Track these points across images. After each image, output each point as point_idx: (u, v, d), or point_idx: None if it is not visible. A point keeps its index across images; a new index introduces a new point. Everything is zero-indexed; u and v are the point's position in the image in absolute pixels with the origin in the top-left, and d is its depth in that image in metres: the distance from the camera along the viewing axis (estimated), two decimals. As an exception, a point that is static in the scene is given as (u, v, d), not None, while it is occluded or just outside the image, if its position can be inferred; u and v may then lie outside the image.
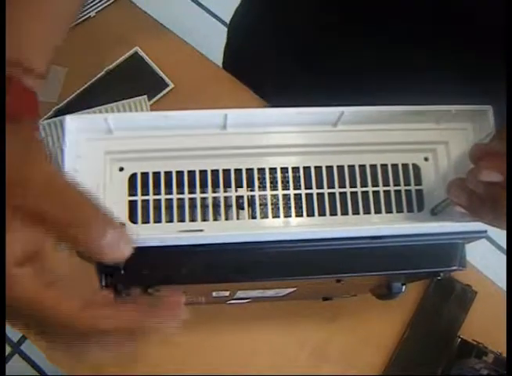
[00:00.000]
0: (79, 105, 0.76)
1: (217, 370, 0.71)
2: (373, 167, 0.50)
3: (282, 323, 0.74)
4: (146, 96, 0.76)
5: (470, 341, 0.74)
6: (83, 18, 0.79)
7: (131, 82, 0.78)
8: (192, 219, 0.48)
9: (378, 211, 0.49)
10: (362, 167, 0.50)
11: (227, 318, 0.73)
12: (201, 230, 0.46)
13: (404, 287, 0.54)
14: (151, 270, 0.47)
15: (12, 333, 1.17)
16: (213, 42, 0.88)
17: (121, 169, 0.48)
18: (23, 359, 1.17)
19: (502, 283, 0.72)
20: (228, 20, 0.90)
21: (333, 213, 0.49)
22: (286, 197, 0.49)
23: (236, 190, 0.49)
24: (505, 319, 0.63)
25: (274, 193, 0.49)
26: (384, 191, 0.49)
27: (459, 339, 0.74)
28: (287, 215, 0.48)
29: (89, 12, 0.79)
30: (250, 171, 0.49)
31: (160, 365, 0.71)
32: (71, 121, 0.45)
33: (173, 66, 0.79)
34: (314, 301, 0.73)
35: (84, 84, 0.77)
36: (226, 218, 0.48)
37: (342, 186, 0.49)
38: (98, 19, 0.79)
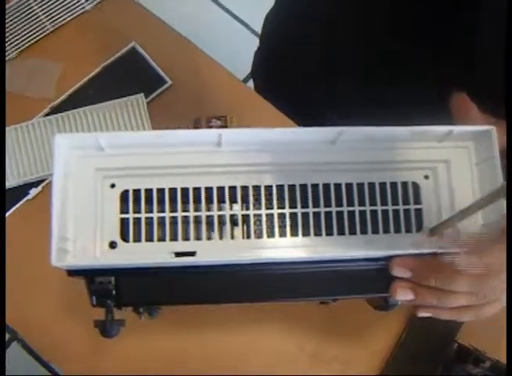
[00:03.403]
0: (75, 101, 0.75)
1: (215, 372, 0.71)
2: (372, 185, 0.48)
3: (280, 326, 0.73)
4: (142, 94, 0.74)
5: (467, 346, 0.73)
6: (78, 12, 0.77)
7: (128, 78, 0.77)
8: (186, 238, 0.47)
9: (375, 231, 0.48)
10: (360, 185, 0.48)
11: (226, 320, 0.72)
12: (193, 253, 0.45)
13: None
14: (142, 290, 0.46)
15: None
16: (213, 38, 0.86)
17: (113, 186, 0.47)
18: (22, 347, 1.18)
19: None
20: (233, 10, 0.88)
21: (329, 233, 0.48)
22: (282, 216, 0.48)
23: (231, 207, 0.48)
24: (503, 323, 0.63)
25: (269, 212, 0.47)
26: (382, 210, 0.48)
27: (457, 344, 0.74)
28: (282, 234, 0.47)
29: (85, 6, 0.77)
30: (245, 188, 0.48)
31: (158, 365, 0.71)
32: (61, 139, 0.44)
33: (171, 63, 0.77)
34: (312, 304, 0.72)
35: (80, 80, 0.76)
36: (220, 237, 0.47)
37: (339, 205, 0.48)
38: (94, 13, 0.77)
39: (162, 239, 0.47)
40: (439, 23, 0.58)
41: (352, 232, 0.48)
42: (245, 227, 0.47)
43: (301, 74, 0.82)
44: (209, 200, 0.47)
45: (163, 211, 0.47)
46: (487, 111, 0.47)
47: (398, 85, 0.67)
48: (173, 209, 0.47)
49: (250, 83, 1.04)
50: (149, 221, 0.47)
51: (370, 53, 0.68)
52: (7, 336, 1.17)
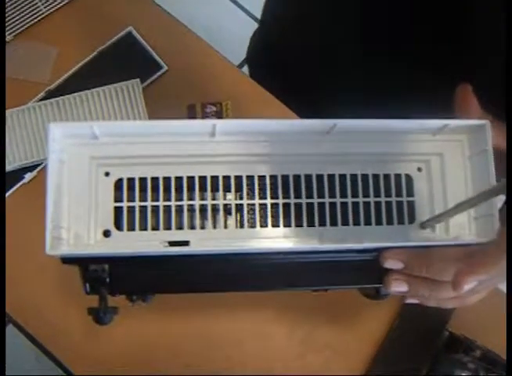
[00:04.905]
0: (71, 86, 0.75)
1: (204, 359, 0.71)
2: (365, 177, 0.49)
3: (272, 314, 0.74)
4: (138, 80, 0.74)
5: (458, 335, 0.74)
6: (75, -4, 0.76)
7: (124, 63, 0.76)
8: (179, 227, 0.47)
9: (368, 222, 0.48)
10: (354, 176, 0.48)
11: (215, 307, 0.73)
12: (187, 242, 0.46)
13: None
14: (136, 278, 0.47)
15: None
16: (209, 23, 0.85)
17: (107, 174, 0.47)
18: (18, 329, 1.17)
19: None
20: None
21: (322, 223, 0.48)
22: (275, 206, 0.48)
23: (225, 196, 0.48)
24: (494, 313, 0.63)
25: (262, 201, 0.48)
26: (375, 202, 0.48)
27: (448, 332, 0.74)
28: (275, 224, 0.48)
29: (81, -10, 0.76)
30: (238, 178, 0.48)
31: (145, 354, 0.71)
32: (55, 127, 0.44)
33: (167, 48, 0.77)
34: (304, 292, 0.73)
35: (76, 65, 0.75)
36: (214, 226, 0.47)
37: (332, 196, 0.48)
38: (90, -3, 0.77)
39: (156, 228, 0.47)
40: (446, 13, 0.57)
41: (345, 223, 0.48)
42: (238, 216, 0.48)
43: (298, 61, 0.82)
44: (203, 190, 0.48)
45: (157, 199, 0.47)
46: (488, 109, 0.47)
47: (399, 73, 0.67)
48: (167, 198, 0.47)
49: (246, 69, 1.04)
50: (143, 209, 0.47)
51: (371, 39, 0.68)
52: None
